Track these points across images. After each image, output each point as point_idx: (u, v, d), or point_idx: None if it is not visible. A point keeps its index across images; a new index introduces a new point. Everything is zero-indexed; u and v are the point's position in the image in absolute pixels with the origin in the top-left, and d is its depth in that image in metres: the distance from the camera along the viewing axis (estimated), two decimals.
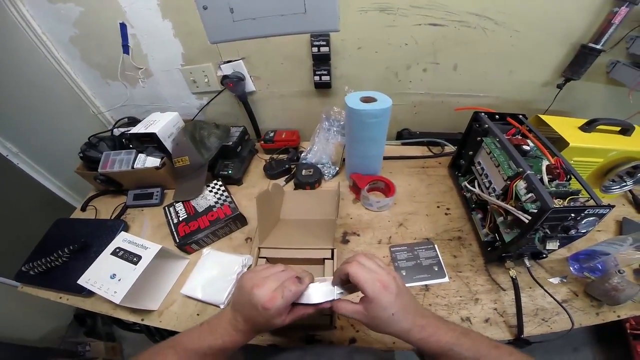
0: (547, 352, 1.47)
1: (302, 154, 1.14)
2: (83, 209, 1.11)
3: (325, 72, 1.05)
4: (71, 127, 1.32)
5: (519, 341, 0.66)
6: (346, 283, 0.48)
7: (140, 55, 1.10)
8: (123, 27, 1.02)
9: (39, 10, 1.01)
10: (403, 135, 1.23)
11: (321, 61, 1.03)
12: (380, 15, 0.93)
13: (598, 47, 0.89)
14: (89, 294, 0.83)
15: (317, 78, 1.07)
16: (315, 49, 0.99)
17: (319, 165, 1.09)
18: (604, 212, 0.58)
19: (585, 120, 0.85)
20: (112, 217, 1.05)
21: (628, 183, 0.89)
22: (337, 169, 1.10)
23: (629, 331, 1.32)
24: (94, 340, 1.67)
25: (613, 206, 0.58)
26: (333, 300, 0.48)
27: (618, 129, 0.85)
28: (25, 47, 1.05)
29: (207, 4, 0.91)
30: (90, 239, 0.94)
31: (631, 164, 0.81)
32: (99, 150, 1.09)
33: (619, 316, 0.71)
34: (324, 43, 0.98)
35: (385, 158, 1.04)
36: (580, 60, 0.94)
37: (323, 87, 1.11)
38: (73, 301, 0.85)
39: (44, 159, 1.59)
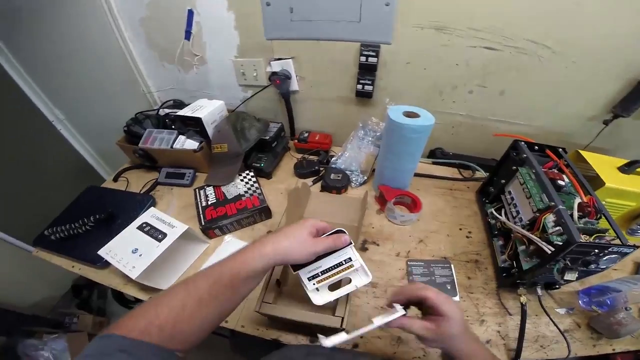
0: None
1: (333, 158, 1.18)
2: (115, 179, 1.19)
3: (369, 82, 1.09)
4: (119, 102, 1.43)
5: None
6: (405, 304, 0.54)
7: (200, 43, 1.18)
8: (190, 13, 1.10)
9: None
10: (436, 154, 1.26)
11: (367, 71, 1.07)
12: (436, 33, 0.96)
13: None
14: (103, 265, 0.86)
15: (359, 87, 1.11)
16: (363, 58, 1.04)
17: (347, 172, 1.13)
18: (628, 252, 0.60)
19: (625, 161, 0.86)
20: (142, 192, 1.12)
21: None
22: (365, 178, 1.14)
23: None
24: (84, 313, 1.70)
25: (637, 247, 0.60)
26: (402, 315, 0.52)
27: None
28: (98, 22, 1.15)
29: (271, 0, 0.98)
30: (117, 210, 0.99)
31: None
32: (144, 126, 1.17)
33: (614, 349, 0.73)
34: (373, 54, 1.02)
35: (415, 174, 1.07)
36: (634, 97, 0.92)
37: (364, 97, 1.15)
38: (85, 271, 0.89)
39: (86, 129, 1.71)
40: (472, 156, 1.22)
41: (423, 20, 0.94)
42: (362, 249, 0.92)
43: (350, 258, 0.59)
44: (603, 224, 0.67)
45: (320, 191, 1.11)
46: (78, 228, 0.93)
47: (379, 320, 0.51)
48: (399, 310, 0.52)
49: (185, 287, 0.48)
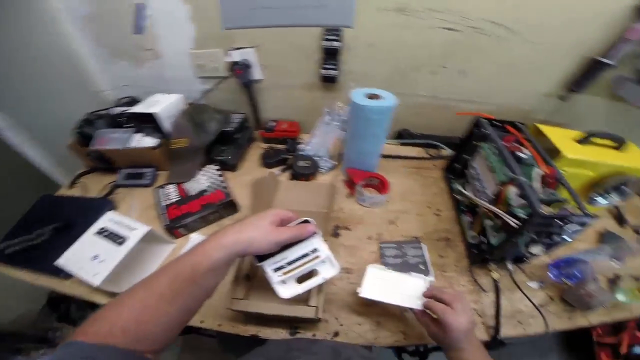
0: (517, 357, 1.52)
1: (301, 146, 1.16)
2: (71, 185, 1.11)
3: (333, 67, 1.07)
4: (69, 103, 1.32)
5: (494, 342, 0.69)
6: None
7: (153, 37, 1.12)
8: (140, 7, 1.04)
9: None
10: (402, 135, 1.26)
11: (331, 55, 1.05)
12: (397, 15, 0.95)
13: (608, 61, 0.91)
14: (67, 275, 0.81)
15: (324, 72, 1.09)
16: (326, 43, 1.01)
17: (316, 158, 1.11)
18: (588, 221, 0.61)
19: (581, 133, 0.89)
20: (101, 196, 1.05)
21: (613, 197, 0.92)
22: (334, 163, 1.12)
23: (595, 339, 1.37)
24: (66, 326, 1.63)
25: (597, 216, 0.61)
26: (419, 310, 0.62)
27: (612, 143, 0.88)
28: (39, 19, 1.06)
29: None
30: (74, 218, 0.93)
31: (620, 179, 0.84)
32: (96, 127, 1.10)
33: (589, 322, 0.74)
34: (336, 38, 1.00)
35: (383, 156, 1.07)
36: (587, 74, 0.96)
37: (329, 82, 1.13)
38: (50, 283, 0.83)
39: (35, 134, 1.56)
40: (438, 135, 1.23)
41: (384, 2, 0.94)
42: (335, 234, 0.91)
43: (316, 249, 0.57)
44: (564, 194, 0.68)
45: (290, 180, 1.08)
46: (35, 239, 0.87)
47: (402, 300, 0.63)
48: (419, 305, 0.62)
49: (145, 286, 0.45)
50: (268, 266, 0.57)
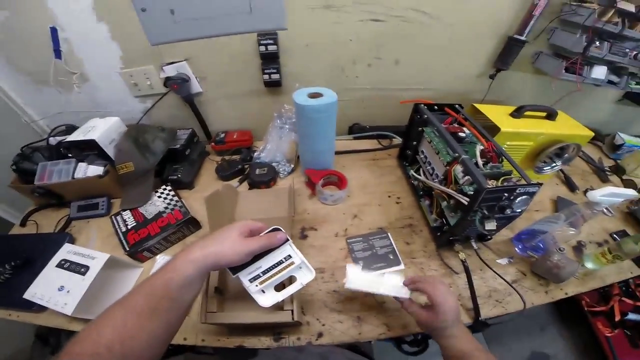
0: (517, 332, 1.58)
1: (256, 154, 1.14)
2: (22, 224, 1.04)
3: (274, 71, 1.06)
4: (1, 138, 1.23)
5: (477, 324, 0.71)
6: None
7: (75, 59, 1.05)
8: (54, 31, 0.97)
9: None
10: (354, 130, 1.28)
11: (270, 60, 1.04)
12: (326, 12, 0.96)
13: (522, 38, 0.98)
14: (40, 308, 0.80)
15: (266, 77, 1.08)
16: (263, 48, 1.00)
17: (273, 164, 1.10)
18: (534, 190, 0.64)
19: (514, 107, 0.94)
20: (57, 231, 1.00)
21: (557, 163, 1.00)
22: (292, 166, 1.12)
23: (586, 309, 1.42)
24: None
25: (541, 184, 0.64)
26: (405, 298, 0.64)
27: (544, 114, 0.95)
28: None
29: (146, 5, 0.88)
30: (33, 254, 0.90)
31: (557, 145, 0.91)
32: (34, 161, 1.02)
33: (566, 293, 0.78)
34: (272, 41, 0.99)
35: (338, 153, 1.09)
36: (507, 51, 1.03)
37: (273, 86, 1.12)
38: (24, 317, 0.82)
39: None
40: (387, 125, 1.27)
41: (312, 0, 0.94)
42: (302, 236, 0.91)
43: (289, 255, 0.58)
44: (507, 166, 0.72)
45: (249, 189, 1.07)
46: None
47: (387, 290, 0.64)
48: (406, 293, 0.64)
49: (121, 305, 0.45)
50: (243, 277, 0.56)
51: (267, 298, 0.57)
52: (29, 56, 1.04)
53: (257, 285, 0.56)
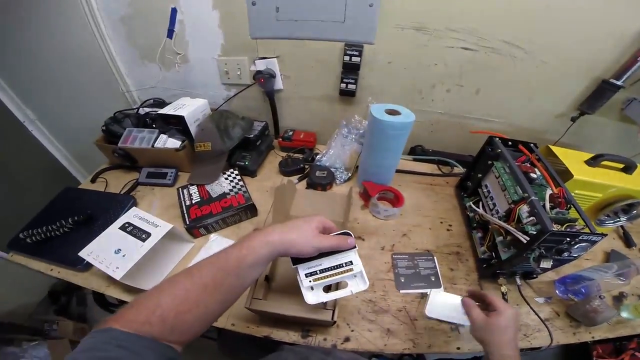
0: None
1: (318, 156, 1.21)
2: (93, 180, 1.16)
3: (352, 81, 1.13)
4: (96, 101, 1.39)
5: None
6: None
7: (182, 41, 1.18)
8: (174, 11, 1.10)
9: None
10: (416, 151, 1.31)
11: (350, 70, 1.11)
12: (416, 34, 1.01)
13: (619, 83, 0.94)
14: (84, 267, 0.84)
15: (343, 85, 1.15)
16: (347, 58, 1.07)
17: (332, 169, 1.16)
18: (597, 240, 0.65)
19: (591, 155, 0.93)
20: (123, 192, 1.09)
21: (621, 219, 0.96)
22: (349, 175, 1.17)
23: (595, 359, 1.37)
24: (63, 319, 1.64)
25: (605, 235, 0.65)
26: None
27: (621, 166, 0.92)
28: (76, 19, 1.13)
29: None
30: (96, 212, 0.97)
31: (627, 201, 0.88)
32: (123, 126, 1.16)
33: (593, 337, 0.78)
34: (357, 53, 1.06)
35: (397, 171, 1.12)
36: (598, 95, 1.00)
37: (347, 95, 1.18)
38: (65, 274, 0.86)
39: (60, 130, 1.66)
40: (451, 153, 1.28)
41: (404, 20, 0.99)
42: None
43: (351, 262, 0.60)
44: (573, 214, 0.72)
45: (306, 188, 1.13)
46: (56, 230, 0.90)
47: (458, 319, 0.65)
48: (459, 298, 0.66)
49: (189, 275, 0.47)
50: (302, 270, 0.59)
51: (314, 296, 0.59)
52: (145, 32, 1.18)
53: (310, 281, 0.58)
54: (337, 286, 0.63)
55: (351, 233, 0.59)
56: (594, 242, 0.66)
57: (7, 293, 1.52)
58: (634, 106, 1.00)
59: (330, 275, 0.59)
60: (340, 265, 0.59)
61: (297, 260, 0.58)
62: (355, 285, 0.61)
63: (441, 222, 1.04)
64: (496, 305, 0.59)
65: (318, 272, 0.59)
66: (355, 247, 0.59)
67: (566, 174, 0.87)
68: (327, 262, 0.59)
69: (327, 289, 0.62)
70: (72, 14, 1.12)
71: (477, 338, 0.59)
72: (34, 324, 1.58)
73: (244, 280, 0.50)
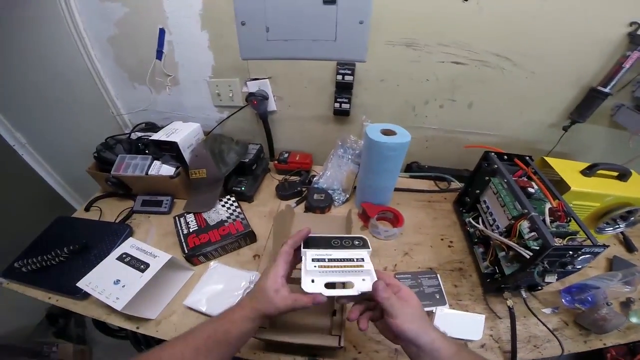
0: None
1: (315, 178, 1.22)
2: (87, 209, 1.16)
3: (346, 100, 1.16)
4: (87, 125, 1.40)
5: None
6: None
7: (172, 63, 1.20)
8: (162, 32, 1.11)
9: (87, 6, 1.10)
10: (412, 168, 1.34)
11: (343, 89, 1.14)
12: (407, 50, 1.04)
13: (606, 90, 0.98)
14: (82, 296, 0.85)
15: (337, 105, 1.17)
16: (339, 77, 1.10)
17: (330, 191, 1.17)
18: (599, 251, 0.68)
19: (586, 164, 0.96)
20: (117, 221, 1.09)
21: (621, 226, 0.99)
22: (347, 196, 1.19)
23: None
24: (63, 341, 1.64)
25: (608, 246, 0.68)
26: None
27: (616, 173, 0.95)
28: (63, 40, 1.14)
29: (246, 20, 1.00)
30: (92, 241, 0.97)
31: (625, 209, 0.91)
32: (115, 152, 1.16)
33: (604, 344, 0.80)
34: (349, 72, 1.08)
35: (394, 189, 1.13)
36: (587, 103, 1.04)
37: (341, 115, 1.21)
38: (63, 302, 0.87)
39: (51, 154, 1.65)
40: (447, 168, 1.32)
41: (394, 37, 1.02)
42: None
43: (363, 259, 0.58)
44: (573, 226, 0.75)
45: (304, 212, 1.14)
46: (51, 259, 0.90)
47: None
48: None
49: (184, 340, 0.53)
50: (310, 255, 0.58)
51: (312, 286, 0.54)
52: (134, 53, 1.19)
53: (315, 267, 0.56)
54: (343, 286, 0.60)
55: (365, 238, 0.62)
56: (596, 254, 0.68)
57: (4, 315, 1.52)
58: (623, 112, 1.05)
59: (339, 267, 0.57)
60: (350, 259, 0.58)
61: (307, 244, 0.60)
62: (363, 285, 0.55)
63: (442, 239, 1.06)
64: (399, 285, 0.55)
65: (326, 260, 0.57)
66: (369, 248, 0.60)
67: (563, 185, 0.90)
68: (337, 254, 0.59)
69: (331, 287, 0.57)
70: (59, 34, 1.13)
71: (405, 330, 0.50)
72: (33, 346, 1.57)
73: (234, 346, 0.55)
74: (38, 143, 1.60)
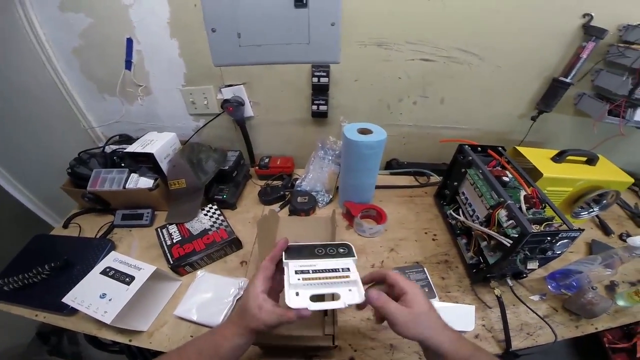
0: None
1: (297, 181, 1.22)
2: (65, 226, 1.12)
3: (323, 102, 1.16)
4: (58, 140, 1.35)
5: (508, 354, 0.75)
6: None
7: (142, 72, 1.16)
8: (129, 42, 1.08)
9: (48, 18, 1.06)
10: (392, 165, 1.35)
11: (320, 91, 1.14)
12: (378, 49, 1.05)
13: (567, 80, 1.03)
14: (70, 312, 0.83)
15: (314, 107, 1.17)
16: (315, 79, 1.10)
17: (313, 193, 1.17)
18: (576, 235, 0.70)
19: (556, 151, 0.99)
20: (98, 236, 1.07)
21: (595, 209, 1.04)
22: (331, 197, 1.19)
23: (607, 345, 1.42)
24: (57, 359, 1.62)
25: (583, 230, 0.70)
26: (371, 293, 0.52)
27: (585, 159, 1.00)
28: (25, 53, 1.10)
29: (216, 26, 0.99)
30: (73, 257, 0.95)
31: (596, 192, 0.95)
32: (89, 167, 1.12)
33: (596, 328, 0.81)
34: (324, 74, 1.08)
35: (376, 187, 1.14)
36: (551, 93, 1.08)
37: (319, 117, 1.21)
38: (51, 319, 0.85)
39: (23, 173, 1.58)
40: (425, 163, 1.34)
41: (365, 37, 1.03)
42: None
43: (348, 269, 0.55)
44: (549, 212, 0.77)
45: (289, 215, 1.14)
46: (33, 277, 0.88)
47: (348, 299, 0.51)
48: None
49: (177, 354, 0.54)
50: (293, 266, 0.55)
51: (297, 300, 0.51)
52: (102, 64, 1.15)
53: (299, 279, 0.53)
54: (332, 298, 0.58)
55: (350, 245, 0.59)
56: (574, 238, 0.71)
57: None
58: (585, 100, 1.09)
59: (323, 279, 0.53)
60: (336, 270, 0.54)
61: (290, 254, 0.56)
62: (350, 297, 0.52)
63: (426, 233, 1.07)
64: (402, 286, 0.52)
65: (310, 271, 0.54)
66: (354, 256, 0.57)
67: (535, 173, 0.93)
68: (321, 264, 0.55)
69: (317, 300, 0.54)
70: (21, 46, 1.09)
71: (409, 337, 0.49)
72: None
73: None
74: (8, 161, 1.53)
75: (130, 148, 1.09)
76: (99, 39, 1.09)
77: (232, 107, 1.16)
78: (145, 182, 1.08)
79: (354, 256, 0.58)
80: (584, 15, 0.94)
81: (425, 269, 0.93)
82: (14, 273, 0.89)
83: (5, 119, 1.34)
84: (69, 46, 1.12)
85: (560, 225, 0.72)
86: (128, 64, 1.13)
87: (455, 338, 0.50)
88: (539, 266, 0.76)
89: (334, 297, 0.53)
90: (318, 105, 1.17)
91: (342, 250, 0.59)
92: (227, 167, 1.17)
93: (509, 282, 0.84)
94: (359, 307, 0.53)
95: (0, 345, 1.51)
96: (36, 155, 1.47)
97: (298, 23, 0.98)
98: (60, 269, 0.92)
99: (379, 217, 1.09)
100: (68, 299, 0.77)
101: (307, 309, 0.49)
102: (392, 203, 1.18)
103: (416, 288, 0.53)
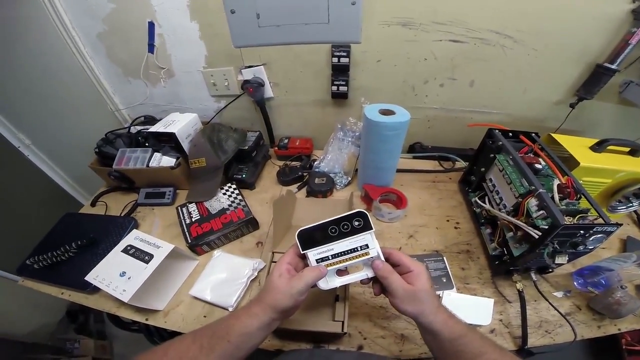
0: None
1: (315, 163, 1.18)
2: (93, 204, 1.15)
3: (343, 83, 1.11)
4: (87, 122, 1.38)
5: (522, 351, 0.70)
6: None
7: (164, 55, 1.16)
8: (151, 25, 1.08)
9: (72, 5, 1.08)
10: (415, 149, 1.28)
11: (340, 72, 1.09)
12: (402, 29, 0.98)
13: (613, 67, 0.93)
14: (93, 290, 0.85)
15: (334, 88, 1.12)
16: (335, 60, 1.05)
17: (331, 175, 1.13)
18: (612, 230, 0.62)
19: (595, 140, 0.90)
20: (123, 214, 1.08)
21: (634, 204, 0.94)
22: (349, 179, 1.14)
23: (624, 347, 1.37)
24: (84, 337, 1.69)
25: (620, 224, 0.62)
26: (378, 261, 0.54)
27: (627, 149, 0.90)
28: (54, 40, 1.12)
29: (235, 7, 0.95)
30: (98, 235, 0.97)
31: (638, 185, 0.86)
32: (115, 146, 1.14)
33: (619, 329, 0.75)
34: (345, 54, 1.03)
35: (397, 170, 1.09)
36: (594, 80, 0.98)
37: (339, 97, 1.16)
38: (75, 297, 0.86)
39: (55, 153, 1.65)
40: (451, 147, 1.26)
41: (388, 17, 0.97)
42: None
43: (367, 245, 0.54)
44: (584, 203, 0.70)
45: (306, 197, 1.11)
46: (61, 255, 0.90)
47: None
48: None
49: (192, 335, 0.52)
50: (312, 256, 0.54)
51: (326, 282, 0.55)
52: (126, 48, 1.17)
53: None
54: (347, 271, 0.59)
55: (364, 212, 0.54)
56: (609, 233, 0.63)
57: (27, 314, 1.55)
58: (632, 89, 0.99)
59: (344, 260, 0.54)
60: (354, 249, 0.54)
61: (306, 244, 0.54)
62: (371, 270, 0.54)
63: (448, 220, 1.01)
64: (408, 265, 0.53)
65: (330, 257, 0.54)
66: (372, 229, 0.54)
67: (572, 162, 0.85)
68: (338, 247, 0.54)
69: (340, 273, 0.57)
70: (49, 34, 1.10)
71: (403, 311, 0.52)
72: (56, 343, 1.63)
73: (236, 347, 0.51)
74: (41, 143, 1.60)
75: (153, 128, 1.09)
76: (122, 23, 1.10)
77: (252, 88, 1.13)
78: (167, 161, 1.08)
79: (371, 228, 0.54)
80: (634, 1, 0.83)
81: (444, 258, 0.88)
82: (44, 251, 0.91)
83: (40, 103, 1.38)
84: (94, 31, 1.13)
85: (596, 219, 0.65)
86: (151, 48, 1.13)
87: (447, 317, 0.52)
88: (568, 261, 0.69)
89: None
90: (338, 86, 1.12)
91: (357, 223, 0.54)
92: (246, 147, 1.15)
93: (533, 276, 0.78)
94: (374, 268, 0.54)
95: (32, 324, 1.57)
96: (68, 136, 1.52)
97: (317, 2, 0.93)
98: (87, 247, 0.93)
99: (399, 201, 1.03)
100: (90, 277, 0.78)
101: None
102: (414, 188, 1.12)
103: (422, 267, 0.53)
